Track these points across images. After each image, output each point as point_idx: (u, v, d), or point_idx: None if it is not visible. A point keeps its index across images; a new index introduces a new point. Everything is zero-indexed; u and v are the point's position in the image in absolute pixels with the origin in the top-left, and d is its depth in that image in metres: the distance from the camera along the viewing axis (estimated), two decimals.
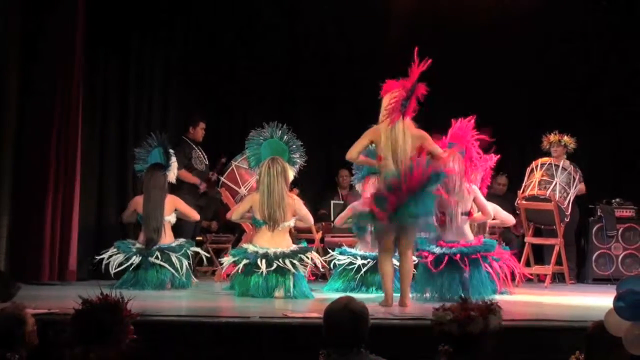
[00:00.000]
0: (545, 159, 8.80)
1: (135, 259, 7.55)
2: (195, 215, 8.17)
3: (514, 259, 7.46)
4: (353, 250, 7.93)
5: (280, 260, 6.94)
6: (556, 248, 8.74)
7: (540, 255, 9.32)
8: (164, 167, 7.87)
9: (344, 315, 3.55)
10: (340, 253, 7.95)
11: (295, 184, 7.93)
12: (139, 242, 7.74)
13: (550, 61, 9.89)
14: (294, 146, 7.36)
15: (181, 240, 7.92)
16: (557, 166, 8.71)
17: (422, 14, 9.44)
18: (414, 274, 6.80)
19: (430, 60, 6.30)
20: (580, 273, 9.48)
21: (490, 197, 7.76)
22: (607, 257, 9.41)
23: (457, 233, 6.99)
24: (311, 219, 7.39)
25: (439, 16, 9.47)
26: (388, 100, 6.44)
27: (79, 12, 8.02)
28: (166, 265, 7.58)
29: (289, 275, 6.96)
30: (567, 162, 8.95)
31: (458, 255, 6.82)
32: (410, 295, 6.56)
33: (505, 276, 7.37)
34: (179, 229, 8.32)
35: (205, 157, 8.90)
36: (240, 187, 8.43)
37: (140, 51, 8.98)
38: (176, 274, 7.63)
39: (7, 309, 3.67)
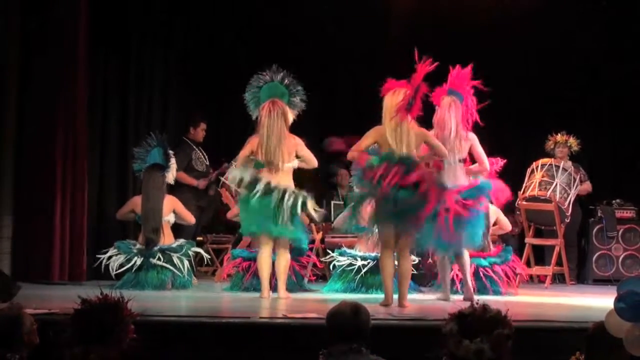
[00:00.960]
0: (545, 160, 8.80)
1: (137, 260, 7.54)
2: (191, 219, 8.16)
3: (517, 260, 7.46)
4: (353, 252, 7.92)
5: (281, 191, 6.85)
6: (556, 249, 8.74)
7: (541, 255, 9.31)
8: (163, 167, 7.85)
9: (349, 312, 3.58)
10: (340, 254, 7.94)
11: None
12: (139, 242, 7.73)
13: (550, 61, 9.88)
14: (295, 89, 7.13)
15: (181, 240, 7.92)
16: (557, 167, 8.71)
17: (422, 14, 9.44)
18: None
19: (436, 63, 6.36)
20: (581, 274, 9.48)
21: None
22: (608, 258, 9.41)
23: (453, 179, 6.86)
24: (315, 161, 7.06)
25: (439, 16, 9.47)
26: (390, 99, 6.45)
27: (81, 11, 8.02)
28: (168, 266, 7.58)
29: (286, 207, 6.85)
30: (569, 163, 8.97)
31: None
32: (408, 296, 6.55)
33: (509, 277, 7.37)
34: (179, 229, 8.33)
35: (206, 157, 8.90)
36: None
37: (141, 51, 8.98)
38: (178, 274, 7.61)
39: (4, 309, 3.67)
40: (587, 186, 9.27)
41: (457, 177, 6.87)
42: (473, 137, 7.09)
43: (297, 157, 7.04)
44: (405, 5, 9.50)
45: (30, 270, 7.70)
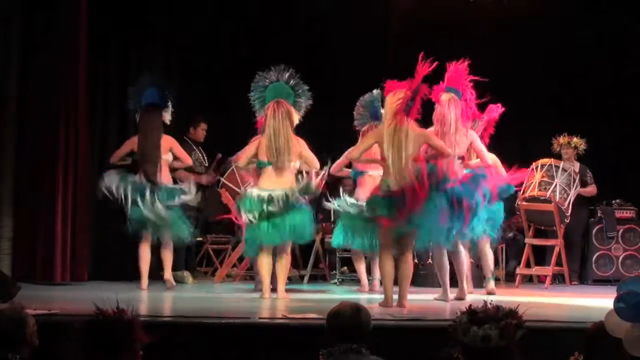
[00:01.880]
0: (545, 160, 8.80)
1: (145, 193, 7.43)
2: (188, 159, 7.97)
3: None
4: (353, 200, 7.51)
5: (284, 200, 6.81)
6: (556, 249, 8.73)
7: (542, 256, 9.30)
8: (160, 106, 7.71)
9: (350, 312, 3.57)
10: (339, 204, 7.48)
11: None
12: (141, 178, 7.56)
13: (551, 62, 9.88)
14: (300, 90, 7.10)
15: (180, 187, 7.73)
16: (557, 167, 8.70)
17: (422, 14, 9.43)
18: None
19: (435, 63, 6.34)
20: (581, 274, 9.47)
21: None
22: (607, 258, 9.40)
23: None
24: (317, 162, 7.03)
25: (440, 16, 9.47)
26: (391, 101, 6.46)
27: (80, 11, 8.03)
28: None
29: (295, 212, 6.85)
30: (576, 165, 9.00)
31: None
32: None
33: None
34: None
35: (205, 159, 8.90)
36: (240, 188, 8.41)
37: (141, 51, 8.98)
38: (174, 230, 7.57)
39: (7, 309, 3.65)
40: (592, 189, 9.27)
41: (455, 173, 6.84)
42: (473, 134, 7.12)
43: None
44: (406, 5, 9.50)
45: (32, 270, 7.70)
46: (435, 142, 6.58)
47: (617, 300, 3.16)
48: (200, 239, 9.29)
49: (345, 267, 9.36)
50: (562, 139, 9.19)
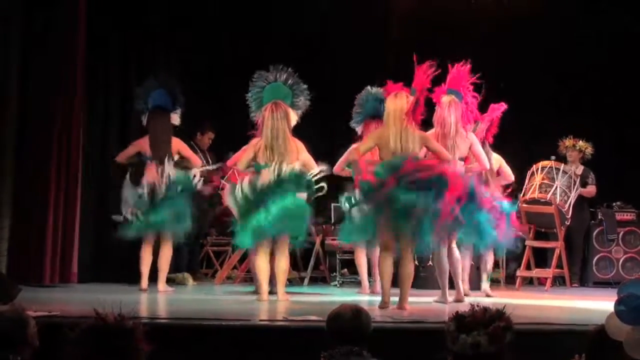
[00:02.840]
0: (545, 162, 8.80)
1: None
2: (196, 160, 7.94)
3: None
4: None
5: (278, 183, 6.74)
6: (557, 251, 8.73)
7: (542, 258, 9.30)
8: (169, 109, 7.66)
9: (350, 314, 3.57)
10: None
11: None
12: (147, 181, 7.52)
13: (552, 62, 9.88)
14: (298, 90, 7.05)
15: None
16: (557, 169, 8.71)
17: (422, 14, 9.43)
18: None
19: (436, 67, 6.37)
20: (581, 276, 9.47)
21: None
22: (608, 261, 9.40)
23: None
24: (314, 164, 6.94)
25: (440, 16, 9.46)
26: (393, 102, 6.45)
27: (80, 12, 8.03)
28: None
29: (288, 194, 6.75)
30: (570, 166, 8.98)
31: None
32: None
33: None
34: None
35: (210, 163, 8.92)
36: None
37: (142, 52, 8.98)
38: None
39: (8, 311, 3.65)
40: (592, 189, 9.26)
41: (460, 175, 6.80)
42: (472, 137, 7.13)
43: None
44: (406, 6, 9.50)
45: (24, 272, 7.69)
46: (434, 145, 6.60)
47: (618, 303, 3.15)
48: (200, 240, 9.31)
49: (346, 269, 9.36)
50: (568, 142, 9.20)
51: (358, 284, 8.85)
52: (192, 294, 7.82)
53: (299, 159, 6.92)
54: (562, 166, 8.76)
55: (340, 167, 7.73)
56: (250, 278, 8.59)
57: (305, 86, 7.06)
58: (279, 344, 5.03)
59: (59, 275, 7.88)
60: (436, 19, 9.51)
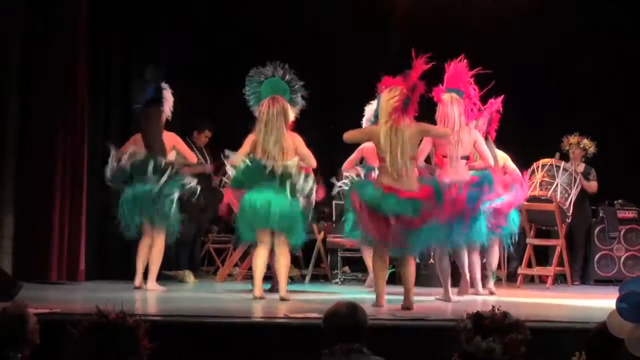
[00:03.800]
0: (546, 160, 8.79)
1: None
2: (192, 157, 7.84)
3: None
4: None
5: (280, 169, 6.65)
6: (558, 249, 8.73)
7: (544, 256, 9.30)
8: (158, 102, 7.54)
9: (345, 311, 3.57)
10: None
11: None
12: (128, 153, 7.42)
13: (552, 62, 9.87)
14: (296, 86, 6.96)
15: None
16: (557, 167, 8.70)
17: (423, 15, 9.43)
18: None
19: (432, 62, 6.26)
20: (582, 274, 9.47)
21: None
22: (609, 259, 9.40)
23: (454, 175, 6.80)
24: (313, 160, 6.82)
25: (440, 17, 9.46)
26: (387, 98, 6.32)
27: (81, 11, 8.03)
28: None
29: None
30: (572, 164, 8.98)
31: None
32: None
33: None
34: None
35: (208, 160, 8.90)
36: None
37: (143, 53, 8.98)
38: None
39: (9, 308, 3.66)
40: (593, 184, 9.25)
41: (459, 173, 6.85)
42: (476, 134, 7.09)
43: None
44: (407, 6, 9.50)
45: (30, 269, 7.69)
46: (434, 131, 6.58)
47: (620, 300, 3.15)
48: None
49: (347, 267, 9.37)
50: (573, 139, 9.19)
51: (359, 281, 8.86)
52: (193, 292, 7.82)
53: (298, 153, 6.82)
54: (562, 164, 8.76)
55: (350, 164, 7.69)
56: (251, 276, 8.58)
57: (302, 83, 6.98)
58: (280, 342, 5.03)
59: (66, 272, 7.86)
60: (436, 19, 9.50)
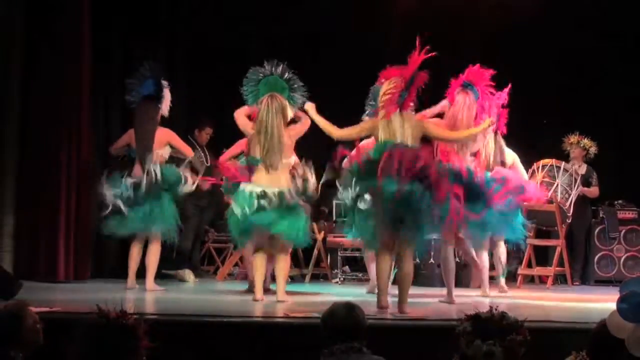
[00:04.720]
0: (546, 161, 8.79)
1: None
2: (188, 151, 7.69)
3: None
4: None
5: (279, 198, 6.53)
6: (558, 249, 8.73)
7: (544, 256, 9.29)
8: (156, 98, 7.47)
9: (343, 311, 3.56)
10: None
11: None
12: (132, 175, 7.34)
13: (553, 63, 9.87)
14: (295, 85, 6.83)
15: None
16: (558, 167, 8.70)
17: (425, 13, 9.42)
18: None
19: (433, 53, 6.04)
20: (582, 274, 9.47)
21: None
22: (609, 259, 9.40)
23: None
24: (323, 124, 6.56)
25: (441, 16, 9.46)
26: (385, 90, 6.11)
27: (84, 10, 8.04)
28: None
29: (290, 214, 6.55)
30: (573, 164, 8.98)
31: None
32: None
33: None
34: (180, 229, 8.33)
35: (208, 159, 8.89)
36: None
37: (144, 51, 8.97)
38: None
39: (7, 306, 3.66)
40: (595, 190, 9.26)
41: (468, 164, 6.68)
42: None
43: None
44: (408, 4, 9.50)
45: (35, 268, 7.69)
46: (434, 130, 6.27)
47: (620, 301, 3.15)
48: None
49: (347, 266, 9.37)
50: (573, 138, 9.19)
51: (359, 281, 8.86)
52: (194, 291, 7.82)
53: (300, 134, 6.77)
54: (562, 164, 8.76)
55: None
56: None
57: (301, 83, 6.88)
58: (280, 341, 5.03)
59: (73, 271, 7.86)
60: (437, 19, 9.50)
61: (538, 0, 9.46)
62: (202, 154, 8.88)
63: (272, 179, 6.61)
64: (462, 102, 6.78)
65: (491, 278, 7.60)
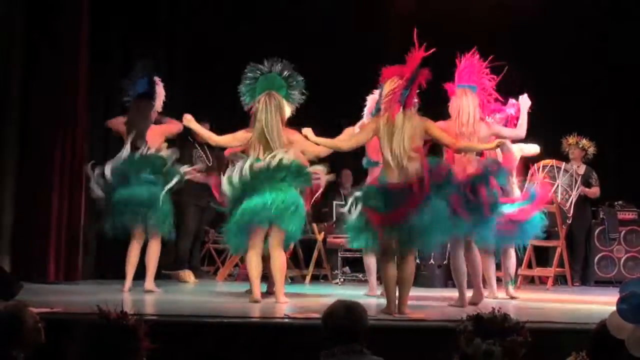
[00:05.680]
0: (547, 161, 8.79)
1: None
2: (178, 126, 7.41)
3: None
4: None
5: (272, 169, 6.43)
6: (558, 250, 8.73)
7: (544, 257, 9.30)
8: (150, 96, 7.41)
9: (342, 313, 3.54)
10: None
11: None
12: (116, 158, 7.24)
13: (554, 63, 9.87)
14: (294, 82, 6.73)
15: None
16: (558, 168, 8.71)
17: (424, 14, 9.43)
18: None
19: (432, 49, 5.98)
20: (583, 275, 9.47)
21: None
22: (609, 260, 9.40)
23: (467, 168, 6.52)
24: (318, 148, 6.55)
25: (441, 16, 9.47)
26: (388, 89, 6.00)
27: (83, 13, 8.04)
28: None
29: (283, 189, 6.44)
30: (572, 164, 8.98)
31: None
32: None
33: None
34: (179, 231, 8.35)
35: (209, 156, 8.85)
36: None
37: (144, 51, 8.97)
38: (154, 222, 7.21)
39: (8, 306, 3.66)
40: (595, 190, 9.26)
41: (473, 168, 6.55)
42: (496, 128, 6.81)
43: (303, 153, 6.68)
44: (407, 5, 9.51)
45: (28, 269, 7.69)
46: (436, 132, 6.11)
47: (620, 301, 3.16)
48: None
49: (347, 267, 9.38)
50: (571, 139, 9.20)
51: (359, 282, 8.87)
52: (194, 291, 7.82)
53: (302, 151, 6.65)
54: (563, 165, 8.77)
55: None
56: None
57: (301, 78, 6.80)
58: (280, 342, 5.03)
59: (64, 273, 7.86)
60: (437, 19, 9.50)
61: (538, 0, 9.47)
62: (203, 153, 8.85)
63: None
64: (462, 92, 6.68)
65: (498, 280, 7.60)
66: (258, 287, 6.52)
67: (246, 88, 6.81)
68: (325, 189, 7.30)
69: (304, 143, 6.54)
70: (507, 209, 6.91)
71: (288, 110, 6.72)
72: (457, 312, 6.21)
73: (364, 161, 7.40)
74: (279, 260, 6.59)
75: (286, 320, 5.44)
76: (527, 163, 8.55)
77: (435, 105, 6.73)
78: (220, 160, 8.41)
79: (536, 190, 7.38)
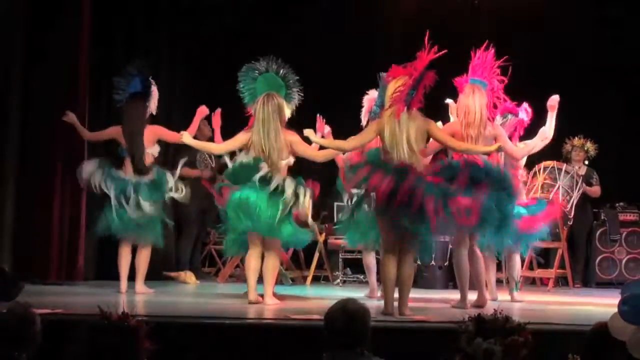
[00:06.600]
0: (548, 163, 8.78)
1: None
2: (177, 137, 7.23)
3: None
4: None
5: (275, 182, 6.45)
6: (559, 251, 8.73)
7: (546, 258, 9.29)
8: (144, 96, 7.34)
9: (341, 316, 3.51)
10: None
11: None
12: (125, 172, 7.28)
13: (554, 64, 9.87)
14: (291, 82, 6.73)
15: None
16: (559, 169, 8.69)
17: (425, 14, 9.43)
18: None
19: (443, 51, 5.95)
20: (584, 277, 9.47)
21: None
22: (611, 261, 9.40)
23: None
24: (315, 152, 6.61)
25: (441, 16, 9.47)
26: (393, 88, 5.98)
27: (84, 11, 8.05)
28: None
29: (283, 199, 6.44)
30: (574, 166, 8.98)
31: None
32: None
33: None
34: (179, 231, 8.32)
35: (213, 159, 8.83)
36: None
37: (146, 49, 8.98)
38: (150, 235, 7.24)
39: (15, 308, 3.65)
40: (596, 189, 9.26)
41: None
42: (500, 130, 6.77)
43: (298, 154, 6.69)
44: (407, 6, 9.51)
45: (29, 269, 7.69)
46: (439, 134, 6.10)
47: (621, 303, 3.15)
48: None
49: (348, 268, 9.37)
50: (577, 141, 9.20)
51: (360, 283, 8.86)
52: (195, 293, 7.82)
53: (296, 151, 6.64)
54: (564, 166, 8.76)
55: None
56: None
57: (296, 77, 6.78)
58: (281, 343, 5.03)
59: (65, 273, 7.86)
60: (438, 18, 9.49)
61: (538, 0, 9.47)
62: (206, 155, 8.81)
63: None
64: (470, 90, 6.62)
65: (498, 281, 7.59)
66: (253, 289, 6.50)
67: (246, 88, 6.80)
68: (324, 189, 7.34)
69: (303, 145, 6.57)
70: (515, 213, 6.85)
71: (288, 111, 6.72)
72: (458, 313, 6.20)
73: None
74: (271, 262, 6.58)
75: (287, 321, 5.43)
76: (529, 163, 8.58)
77: (431, 103, 6.73)
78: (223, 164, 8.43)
79: (546, 204, 7.31)
